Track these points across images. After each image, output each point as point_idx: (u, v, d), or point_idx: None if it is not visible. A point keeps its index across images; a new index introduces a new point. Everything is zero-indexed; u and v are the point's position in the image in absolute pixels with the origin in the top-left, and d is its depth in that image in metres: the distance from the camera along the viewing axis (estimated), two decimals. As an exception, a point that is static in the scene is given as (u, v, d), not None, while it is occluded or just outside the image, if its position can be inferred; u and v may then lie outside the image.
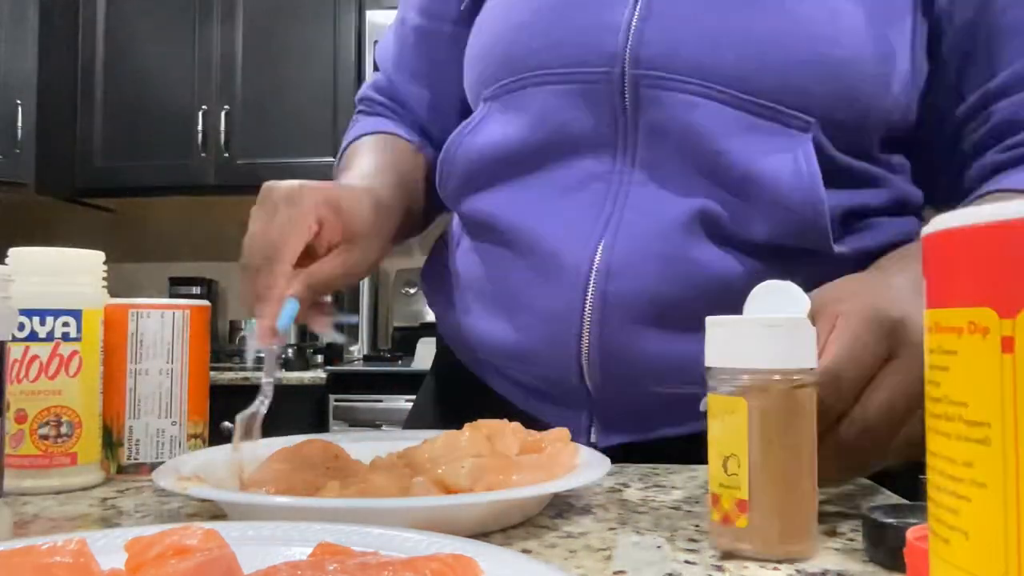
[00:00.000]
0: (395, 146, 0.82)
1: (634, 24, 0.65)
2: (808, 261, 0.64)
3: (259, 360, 0.59)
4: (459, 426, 0.57)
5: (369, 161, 0.78)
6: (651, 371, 0.65)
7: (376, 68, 0.91)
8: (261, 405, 0.58)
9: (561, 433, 0.57)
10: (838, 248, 0.65)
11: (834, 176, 0.64)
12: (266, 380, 0.58)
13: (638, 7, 0.66)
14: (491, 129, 0.71)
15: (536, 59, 0.68)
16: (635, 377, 0.65)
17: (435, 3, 0.83)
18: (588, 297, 0.64)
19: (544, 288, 0.67)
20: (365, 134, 0.84)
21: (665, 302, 0.63)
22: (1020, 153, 0.66)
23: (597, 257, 0.64)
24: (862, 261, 0.64)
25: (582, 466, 0.54)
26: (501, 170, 0.70)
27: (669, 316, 0.63)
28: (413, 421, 0.85)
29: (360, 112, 0.91)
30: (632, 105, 0.65)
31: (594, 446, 0.66)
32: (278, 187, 0.62)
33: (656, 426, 0.68)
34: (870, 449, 0.48)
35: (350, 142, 0.85)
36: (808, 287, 0.56)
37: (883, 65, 0.65)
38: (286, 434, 0.62)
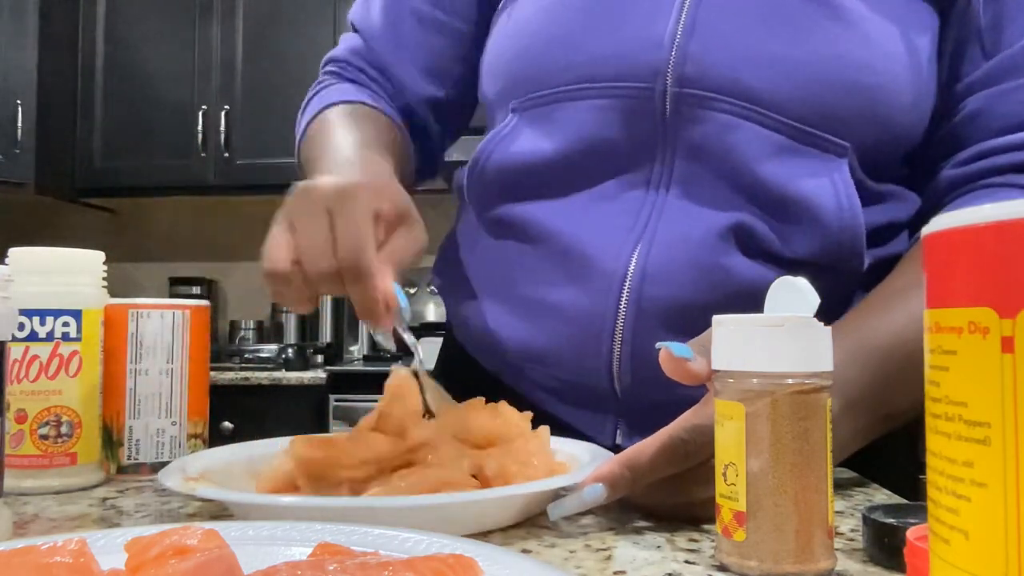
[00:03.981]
0: (374, 118, 0.78)
1: (678, 40, 0.65)
2: (837, 273, 0.65)
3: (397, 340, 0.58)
4: None
5: (359, 132, 0.73)
6: None
7: (353, 30, 0.88)
8: (420, 365, 0.58)
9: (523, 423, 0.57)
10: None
11: (864, 197, 0.65)
12: (412, 342, 0.58)
13: (681, 23, 0.65)
14: (524, 140, 0.70)
15: (575, 73, 0.68)
16: (664, 380, 0.65)
17: None
18: (622, 302, 0.65)
19: (576, 291, 0.67)
20: (343, 101, 0.79)
21: (697, 310, 0.63)
22: (971, 171, 0.66)
23: (632, 263, 0.65)
24: (881, 268, 0.66)
25: (584, 463, 0.54)
26: (537, 181, 0.70)
27: (701, 323, 0.64)
28: None
29: (329, 74, 0.86)
30: (672, 122, 0.65)
31: (618, 448, 0.66)
32: (321, 189, 0.56)
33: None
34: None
35: (325, 106, 0.79)
36: (832, 295, 0.57)
37: (914, 89, 0.66)
38: (286, 434, 0.61)
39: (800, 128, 0.64)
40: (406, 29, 0.83)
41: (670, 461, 0.47)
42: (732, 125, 0.64)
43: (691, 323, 0.63)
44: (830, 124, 0.64)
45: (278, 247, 0.55)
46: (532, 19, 0.72)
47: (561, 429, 0.66)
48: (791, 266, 0.64)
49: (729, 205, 0.64)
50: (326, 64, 0.88)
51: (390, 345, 0.58)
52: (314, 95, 0.84)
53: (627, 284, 0.64)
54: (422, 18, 0.82)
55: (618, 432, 0.69)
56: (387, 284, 0.55)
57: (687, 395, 0.62)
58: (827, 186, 0.64)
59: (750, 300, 0.62)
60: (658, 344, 0.47)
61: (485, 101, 0.78)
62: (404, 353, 0.60)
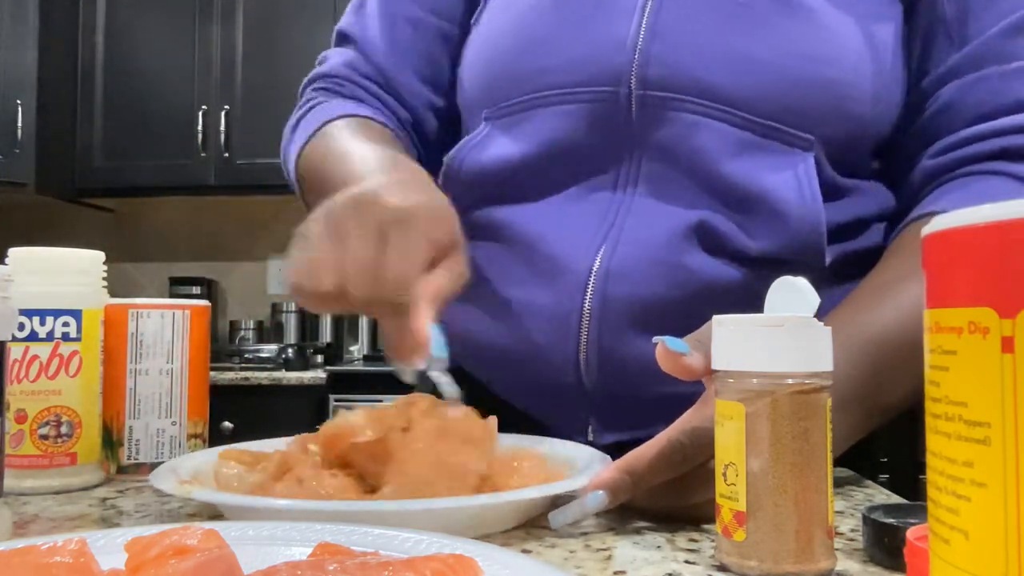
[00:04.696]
0: (384, 132, 0.76)
1: (640, 43, 0.66)
2: (798, 269, 0.65)
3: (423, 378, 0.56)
4: None
5: (379, 142, 0.70)
6: (645, 371, 0.65)
7: (344, 42, 0.85)
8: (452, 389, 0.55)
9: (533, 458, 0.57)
10: (827, 257, 0.66)
11: (830, 192, 0.66)
12: (446, 382, 0.55)
13: (644, 25, 0.66)
14: (496, 147, 0.71)
15: (542, 80, 0.69)
16: (630, 376, 0.66)
17: (443, 2, 0.81)
18: (587, 299, 0.65)
19: (544, 291, 0.68)
20: (346, 115, 0.76)
21: (660, 306, 0.65)
22: (947, 161, 0.66)
23: (597, 262, 0.65)
24: (850, 264, 0.66)
25: (583, 466, 0.54)
26: (508, 186, 0.71)
27: (663, 320, 0.64)
28: None
29: (320, 91, 0.83)
30: (638, 123, 0.66)
31: (592, 444, 0.66)
32: (379, 205, 0.53)
33: (651, 424, 0.68)
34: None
35: (327, 120, 0.75)
36: None
37: (877, 80, 0.66)
38: (286, 434, 0.61)
39: (764, 124, 0.64)
40: (403, 36, 0.81)
41: (669, 465, 0.47)
42: (696, 124, 0.65)
43: (656, 320, 0.64)
44: (794, 118, 0.64)
45: (323, 264, 0.52)
46: (499, 28, 0.73)
47: (539, 429, 0.67)
48: (753, 263, 0.65)
49: (694, 203, 0.65)
50: (314, 81, 0.84)
51: (407, 378, 0.56)
52: (307, 111, 0.80)
53: (591, 282, 0.65)
54: (418, 24, 0.81)
55: (590, 429, 0.70)
56: (422, 325, 0.52)
57: (658, 391, 0.62)
58: (791, 180, 0.64)
59: (712, 298, 0.64)
60: (655, 338, 0.47)
61: (461, 109, 0.79)
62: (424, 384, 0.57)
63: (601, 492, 0.47)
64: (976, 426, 0.22)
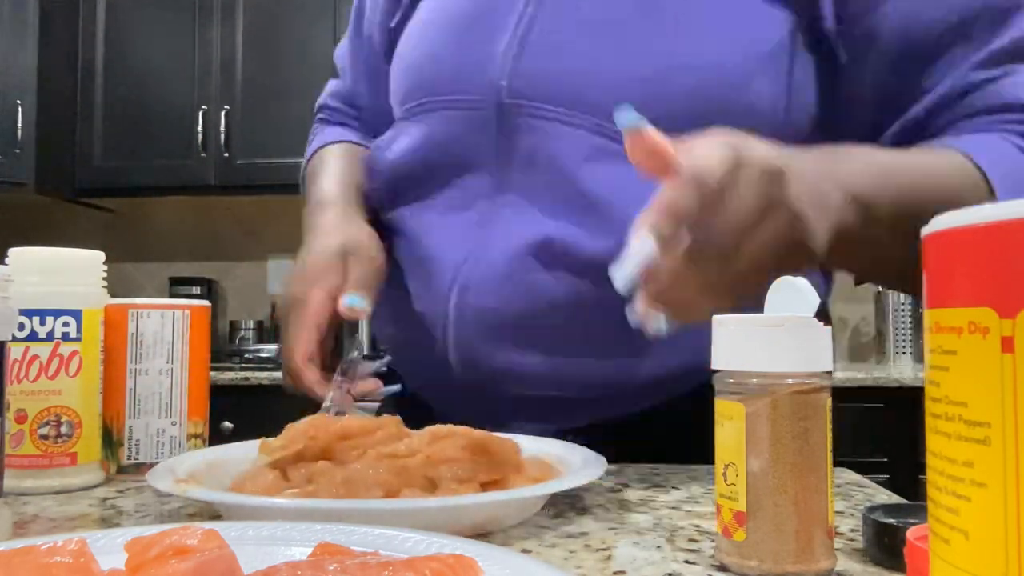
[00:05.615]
0: (353, 152, 0.88)
1: (511, 56, 0.70)
2: None
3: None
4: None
5: (338, 169, 0.85)
6: (501, 376, 0.70)
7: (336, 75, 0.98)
8: (359, 354, 0.71)
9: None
10: None
11: None
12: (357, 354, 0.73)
13: (516, 39, 0.70)
14: (398, 147, 0.77)
15: (432, 87, 0.75)
16: (489, 380, 0.71)
17: (384, 15, 0.88)
18: (450, 308, 0.70)
19: (421, 296, 0.73)
20: (331, 142, 0.90)
21: (508, 319, 0.69)
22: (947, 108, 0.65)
23: (459, 274, 0.70)
24: None
25: (579, 467, 0.54)
26: (404, 186, 0.77)
27: (512, 332, 0.69)
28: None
29: (320, 121, 0.97)
30: (507, 132, 0.70)
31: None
32: (285, 296, 0.72)
33: (512, 421, 0.70)
34: (717, 281, 0.49)
35: (315, 150, 0.91)
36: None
37: (769, 88, 0.66)
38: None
39: (616, 131, 0.64)
40: (364, 56, 0.91)
41: (685, 188, 0.47)
42: (558, 133, 0.67)
43: (504, 330, 0.69)
44: (658, 125, 0.63)
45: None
46: (407, 42, 0.81)
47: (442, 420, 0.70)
48: (592, 274, 0.65)
49: (552, 213, 0.68)
50: (318, 111, 0.98)
51: (331, 413, 0.66)
52: (311, 138, 0.95)
53: (453, 293, 0.70)
54: (364, 44, 0.91)
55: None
56: (309, 380, 0.70)
57: (516, 393, 0.70)
58: (636, 183, 0.60)
59: (555, 310, 0.68)
60: (623, 124, 0.48)
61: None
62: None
63: (646, 238, 0.46)
64: (976, 426, 0.22)
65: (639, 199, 0.61)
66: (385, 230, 0.79)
